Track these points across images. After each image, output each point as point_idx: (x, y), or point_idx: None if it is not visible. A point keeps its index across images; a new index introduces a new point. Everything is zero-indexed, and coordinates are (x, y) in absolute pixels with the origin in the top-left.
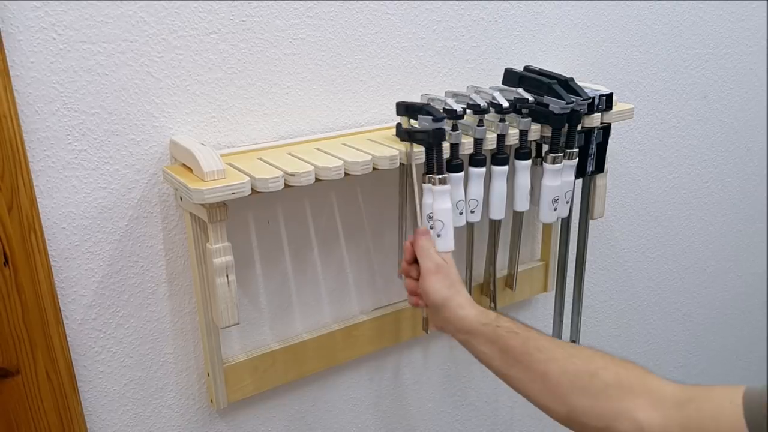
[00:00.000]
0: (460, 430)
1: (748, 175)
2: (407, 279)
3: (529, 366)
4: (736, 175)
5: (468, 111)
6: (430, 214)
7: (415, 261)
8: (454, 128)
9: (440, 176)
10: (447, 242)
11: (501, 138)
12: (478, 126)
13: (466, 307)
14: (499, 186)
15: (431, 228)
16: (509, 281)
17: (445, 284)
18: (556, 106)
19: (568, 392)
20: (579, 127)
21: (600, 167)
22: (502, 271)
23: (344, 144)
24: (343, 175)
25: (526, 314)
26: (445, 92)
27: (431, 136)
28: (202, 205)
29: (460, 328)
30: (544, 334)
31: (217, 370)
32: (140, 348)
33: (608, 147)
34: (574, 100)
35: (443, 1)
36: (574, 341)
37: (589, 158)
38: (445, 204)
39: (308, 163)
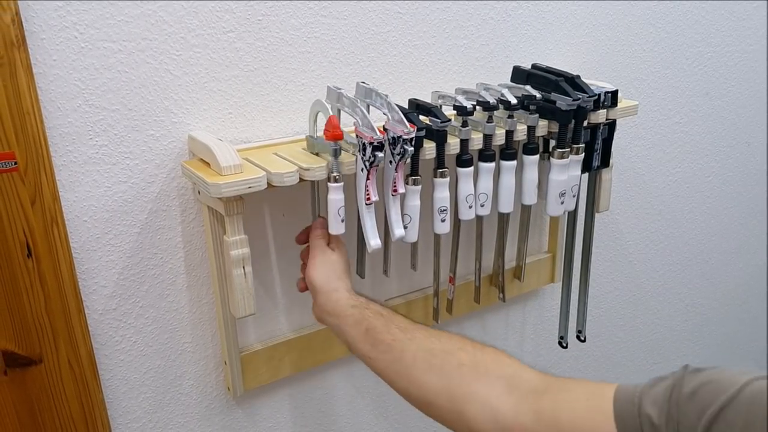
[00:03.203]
0: None
1: (749, 170)
2: (302, 265)
3: (390, 346)
4: (737, 169)
5: (477, 108)
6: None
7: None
8: (464, 124)
9: (414, 177)
10: (411, 235)
11: (509, 134)
12: (487, 122)
13: (340, 291)
14: (508, 180)
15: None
16: (517, 272)
17: (325, 270)
18: (562, 102)
19: (422, 371)
20: (585, 123)
21: (605, 162)
22: (510, 262)
23: None
24: (355, 170)
25: (534, 304)
26: (456, 89)
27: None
28: (220, 198)
29: (331, 311)
30: (411, 320)
31: (234, 358)
32: (159, 337)
33: (613, 142)
34: (580, 96)
35: (453, 0)
36: (580, 331)
37: (595, 153)
38: (415, 201)
39: (322, 158)
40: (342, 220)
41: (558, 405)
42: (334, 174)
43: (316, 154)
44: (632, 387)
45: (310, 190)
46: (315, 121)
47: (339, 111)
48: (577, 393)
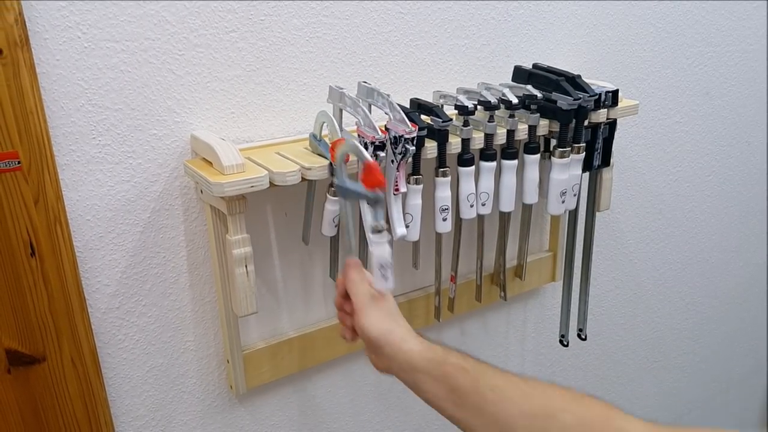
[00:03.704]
0: None
1: (749, 169)
2: (340, 313)
3: (482, 409)
4: (737, 168)
5: (479, 107)
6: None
7: (347, 296)
8: (466, 124)
9: (415, 176)
10: (413, 233)
11: (510, 133)
12: (488, 122)
13: (409, 341)
14: (509, 179)
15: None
16: (518, 271)
17: (383, 316)
18: (563, 102)
19: None
20: (586, 123)
21: (606, 161)
22: (511, 261)
23: None
24: (357, 169)
25: (535, 303)
26: (457, 89)
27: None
28: (222, 197)
29: (404, 365)
30: (498, 369)
31: (236, 357)
32: (162, 336)
33: (614, 142)
34: (581, 96)
35: (455, 0)
36: (581, 329)
37: (596, 152)
38: (416, 200)
39: (324, 157)
40: (335, 226)
41: None
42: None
43: (320, 155)
44: None
45: (306, 189)
46: (321, 128)
47: (341, 111)
48: None
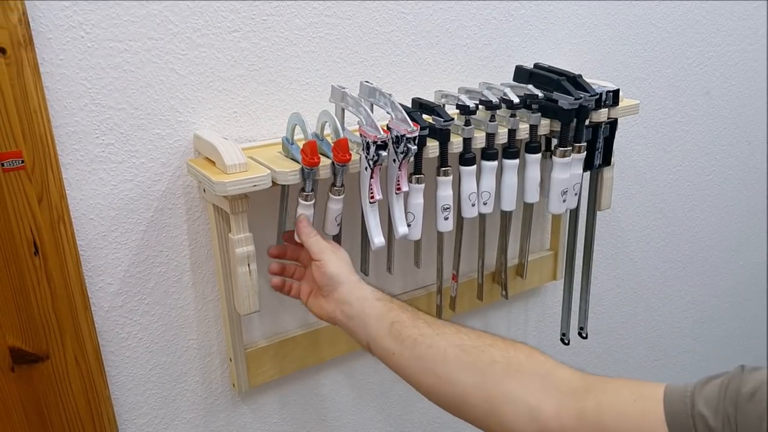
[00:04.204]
0: None
1: (749, 168)
2: (288, 266)
3: (416, 341)
4: (737, 167)
5: (480, 107)
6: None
7: (299, 247)
8: (467, 123)
9: (417, 176)
10: (415, 232)
11: (512, 132)
12: (490, 121)
13: (362, 283)
14: (510, 179)
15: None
16: (520, 270)
17: (342, 263)
18: (564, 101)
19: (453, 368)
20: (587, 122)
21: (607, 160)
22: (513, 260)
23: None
24: (358, 168)
25: (536, 301)
26: (458, 89)
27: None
28: (225, 196)
29: (354, 303)
30: (435, 318)
31: (239, 355)
32: (165, 334)
33: (615, 141)
34: (582, 96)
35: (456, 0)
36: (581, 328)
37: (597, 152)
38: (418, 199)
39: (326, 156)
40: (338, 225)
41: (603, 407)
42: (307, 193)
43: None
44: (682, 387)
45: (280, 194)
46: (293, 131)
47: (343, 110)
48: (622, 394)
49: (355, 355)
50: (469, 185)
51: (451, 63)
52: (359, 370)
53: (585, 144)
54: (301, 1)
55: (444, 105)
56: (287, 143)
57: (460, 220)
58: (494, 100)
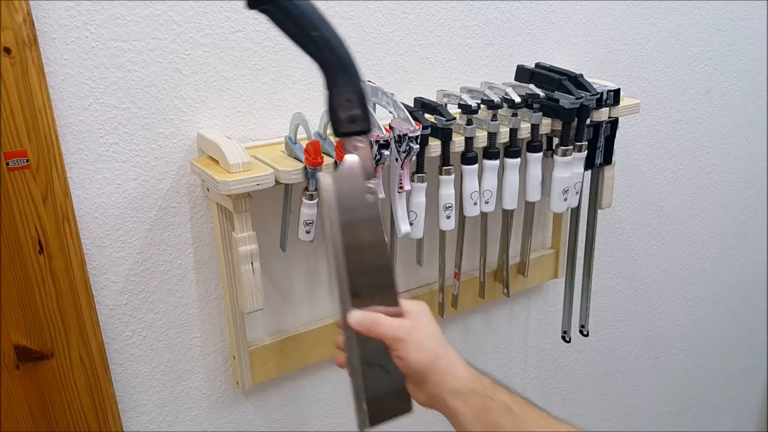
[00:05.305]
0: None
1: (749, 167)
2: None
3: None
4: (737, 166)
5: (482, 106)
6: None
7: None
8: (469, 122)
9: (419, 174)
10: (417, 231)
11: (513, 132)
12: (491, 120)
13: (457, 367)
14: (512, 177)
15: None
16: (521, 268)
17: (425, 343)
18: (566, 101)
19: None
20: (588, 121)
21: (608, 159)
22: (514, 258)
23: None
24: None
25: (538, 299)
26: (460, 88)
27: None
28: (228, 195)
29: (452, 391)
30: (544, 413)
31: (242, 353)
32: (169, 332)
33: (616, 140)
34: (583, 95)
35: (458, 1)
36: (582, 326)
37: (598, 151)
38: (420, 198)
39: (329, 155)
40: None
41: None
42: (310, 192)
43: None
44: None
45: (283, 193)
46: (296, 130)
47: None
48: None
49: None
50: (471, 184)
51: (453, 63)
52: None
53: (586, 143)
54: None
55: (446, 104)
56: (290, 142)
57: (462, 218)
58: (496, 99)
